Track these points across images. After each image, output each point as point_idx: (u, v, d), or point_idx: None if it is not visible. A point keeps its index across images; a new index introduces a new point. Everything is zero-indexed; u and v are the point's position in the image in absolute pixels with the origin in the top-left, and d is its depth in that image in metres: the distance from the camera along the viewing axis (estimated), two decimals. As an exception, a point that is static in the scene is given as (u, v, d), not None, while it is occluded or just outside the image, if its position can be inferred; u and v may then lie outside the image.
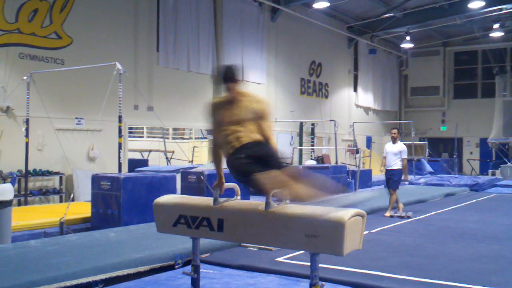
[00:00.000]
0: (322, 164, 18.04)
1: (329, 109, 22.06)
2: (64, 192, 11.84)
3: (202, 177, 9.32)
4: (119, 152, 9.17)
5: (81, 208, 9.18)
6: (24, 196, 10.69)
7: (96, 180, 8.36)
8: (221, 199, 3.61)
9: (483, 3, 19.02)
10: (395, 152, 10.05)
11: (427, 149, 22.55)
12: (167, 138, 19.50)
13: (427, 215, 10.15)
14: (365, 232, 4.05)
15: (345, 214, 3.07)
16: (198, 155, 19.27)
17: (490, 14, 21.32)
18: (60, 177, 11.78)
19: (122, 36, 13.53)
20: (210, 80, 16.15)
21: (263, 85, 17.86)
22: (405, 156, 10.07)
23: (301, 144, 19.91)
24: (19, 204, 10.69)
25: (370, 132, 24.98)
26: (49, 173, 11.48)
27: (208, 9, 15.94)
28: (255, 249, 6.36)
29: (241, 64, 16.89)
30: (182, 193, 9.31)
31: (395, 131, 10.33)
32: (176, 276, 5.24)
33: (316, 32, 20.84)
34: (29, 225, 7.72)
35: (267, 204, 3.33)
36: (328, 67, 22.09)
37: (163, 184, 8.47)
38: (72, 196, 10.16)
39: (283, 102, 19.24)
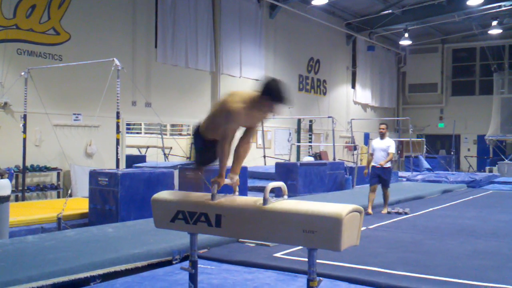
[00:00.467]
0: (320, 160, 18.06)
1: (327, 106, 22.06)
2: (62, 188, 11.83)
3: (200, 173, 9.31)
4: (117, 148, 9.17)
5: (79, 204, 9.18)
6: (21, 192, 10.69)
7: (94, 176, 8.35)
8: (219, 195, 3.61)
9: (481, 0, 19.02)
10: (383, 148, 9.62)
11: (425, 146, 22.58)
12: (165, 134, 19.48)
13: (425, 211, 10.17)
14: (363, 228, 4.05)
15: (343, 209, 3.07)
16: (196, 152, 19.22)
17: (489, 11, 21.33)
18: (58, 173, 11.77)
19: (120, 32, 13.50)
20: (209, 76, 16.14)
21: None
22: (393, 150, 9.65)
23: (299, 141, 19.93)
24: (17, 199, 10.69)
25: (368, 128, 25.00)
26: (46, 169, 11.47)
27: (207, 5, 15.92)
28: (253, 244, 6.37)
29: (239, 61, 16.98)
30: (180, 189, 9.30)
31: (383, 126, 9.83)
32: (174, 272, 5.24)
33: (315, 29, 20.83)
34: (27, 221, 7.72)
35: (265, 200, 3.34)
36: (326, 64, 22.08)
37: (161, 180, 8.47)
38: (69, 191, 10.17)
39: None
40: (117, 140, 9.18)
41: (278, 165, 13.38)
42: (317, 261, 3.30)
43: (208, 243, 6.11)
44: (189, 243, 3.88)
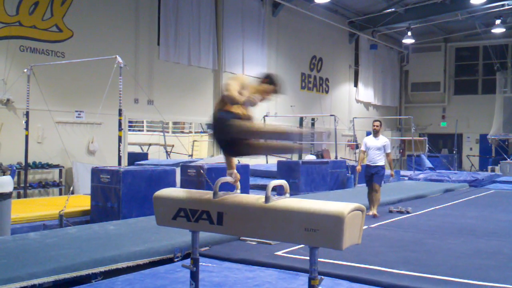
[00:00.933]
0: (322, 159, 18.04)
1: (329, 104, 22.04)
2: (64, 185, 11.85)
3: (201, 171, 9.32)
4: (119, 146, 9.17)
5: (81, 201, 9.18)
6: (23, 189, 10.71)
7: (96, 173, 8.35)
8: (221, 193, 3.61)
9: (484, -1, 18.98)
10: (378, 147, 9.18)
11: (427, 145, 22.54)
12: (167, 132, 19.51)
13: (426, 210, 10.15)
14: (364, 227, 4.05)
15: (345, 208, 3.07)
16: (198, 149, 19.29)
17: (492, 10, 21.27)
18: (60, 170, 11.79)
19: (123, 29, 13.50)
20: (211, 74, 16.15)
21: (263, 79, 17.82)
22: (389, 150, 9.32)
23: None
24: (19, 196, 10.71)
25: (370, 127, 24.76)
26: (48, 166, 11.48)
27: (209, 3, 15.91)
28: (254, 243, 6.37)
29: (242, 59, 16.97)
30: (182, 187, 9.31)
31: (377, 123, 9.42)
32: (175, 269, 5.25)
33: (317, 27, 20.80)
34: (29, 218, 7.73)
35: (267, 198, 3.34)
36: (329, 62, 22.05)
37: (163, 177, 8.47)
38: (71, 189, 10.18)
39: (284, 97, 19.16)
40: (119, 138, 9.18)
41: (280, 163, 13.37)
42: (319, 259, 3.30)
43: (209, 241, 6.11)
44: (191, 240, 3.88)
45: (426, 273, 5.11)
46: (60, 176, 11.82)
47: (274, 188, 3.53)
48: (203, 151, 19.13)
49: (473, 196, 13.09)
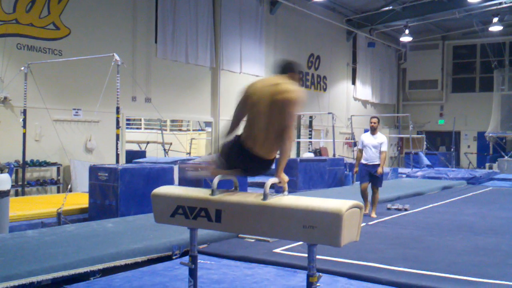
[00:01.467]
0: (320, 156, 18.06)
1: (327, 102, 22.05)
2: (62, 182, 11.83)
3: (199, 169, 9.30)
4: (117, 144, 9.17)
5: (79, 199, 9.18)
6: (21, 187, 10.70)
7: (94, 171, 8.35)
8: (219, 190, 3.61)
9: (482, -3, 18.98)
10: (375, 145, 8.77)
11: (425, 143, 22.57)
12: (165, 129, 19.50)
13: (424, 208, 10.17)
14: (363, 224, 4.06)
15: (343, 205, 3.08)
16: (196, 147, 19.28)
17: (489, 8, 21.27)
18: (58, 168, 11.77)
19: (120, 27, 13.47)
20: (209, 72, 16.13)
21: (261, 77, 17.83)
22: (385, 148, 8.78)
23: (299, 137, 19.91)
24: (17, 194, 10.70)
25: (368, 125, 24.85)
26: (46, 163, 11.47)
27: (207, 1, 15.88)
28: (253, 240, 6.38)
29: (239, 57, 16.96)
30: (180, 185, 9.31)
31: (375, 120, 9.03)
32: (173, 267, 5.25)
33: (315, 25, 20.79)
34: (27, 215, 7.73)
35: (265, 195, 3.34)
36: (326, 60, 22.05)
37: (161, 175, 8.47)
38: (69, 186, 10.17)
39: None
40: (117, 136, 9.18)
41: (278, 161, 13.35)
42: (317, 256, 3.30)
43: (208, 239, 6.12)
44: (189, 238, 3.88)
45: (424, 270, 5.12)
46: (58, 174, 11.80)
47: (273, 186, 3.53)
48: (201, 149, 19.13)
49: (471, 194, 13.11)
